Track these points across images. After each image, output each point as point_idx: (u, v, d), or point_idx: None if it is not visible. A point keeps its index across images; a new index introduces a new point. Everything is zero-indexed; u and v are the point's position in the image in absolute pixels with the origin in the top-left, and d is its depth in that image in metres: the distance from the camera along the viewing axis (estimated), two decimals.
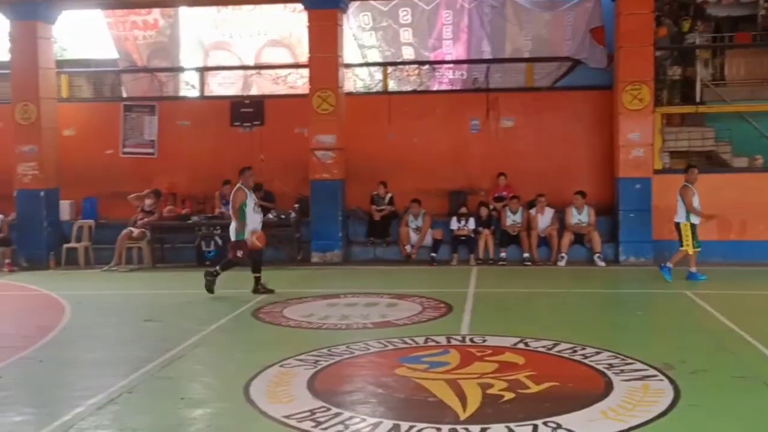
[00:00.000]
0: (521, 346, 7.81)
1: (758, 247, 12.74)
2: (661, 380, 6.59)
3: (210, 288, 10.63)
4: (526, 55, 14.91)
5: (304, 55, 14.75)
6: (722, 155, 14.02)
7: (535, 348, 7.72)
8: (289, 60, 16.31)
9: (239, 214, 10.59)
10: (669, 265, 11.28)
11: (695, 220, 11.38)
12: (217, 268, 10.86)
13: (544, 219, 13.31)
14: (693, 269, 11.34)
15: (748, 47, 14.96)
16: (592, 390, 6.37)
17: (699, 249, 11.40)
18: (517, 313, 9.69)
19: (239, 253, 10.69)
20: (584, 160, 14.24)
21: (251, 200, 10.73)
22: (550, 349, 7.67)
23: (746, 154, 13.93)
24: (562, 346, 7.74)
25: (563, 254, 13.01)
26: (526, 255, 13.20)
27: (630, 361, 7.16)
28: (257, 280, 10.88)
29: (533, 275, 12.46)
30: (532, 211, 13.41)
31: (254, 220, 10.75)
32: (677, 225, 11.45)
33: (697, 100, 14.31)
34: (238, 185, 10.76)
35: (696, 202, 11.35)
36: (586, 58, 14.31)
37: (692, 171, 11.66)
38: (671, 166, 13.73)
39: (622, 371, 6.86)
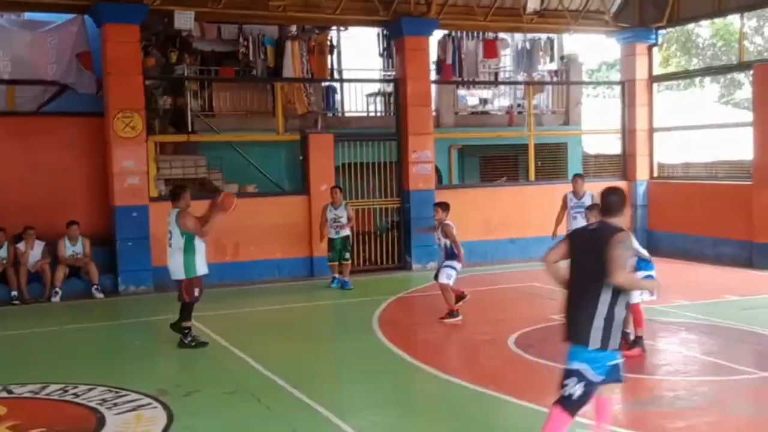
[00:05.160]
0: (4, 394, 7.02)
1: (249, 267, 13.59)
2: (155, 407, 6.50)
3: (198, 342, 8.86)
4: (6, 77, 13.62)
5: None
6: (214, 182, 14.68)
7: (20, 394, 7.01)
8: None
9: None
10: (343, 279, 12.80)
11: (332, 234, 12.66)
12: (184, 324, 8.89)
13: (34, 253, 12.28)
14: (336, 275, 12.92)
15: (232, 81, 16.02)
16: (84, 429, 5.98)
17: (334, 263, 12.84)
18: (2, 359, 8.70)
19: (196, 292, 8.92)
20: (77, 189, 13.54)
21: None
22: (37, 393, 7.03)
23: (236, 181, 14.82)
24: (52, 387, 7.15)
25: (57, 289, 12.15)
26: (14, 293, 11.97)
27: (124, 392, 6.93)
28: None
29: (23, 314, 11.36)
30: (20, 246, 12.28)
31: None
32: None
33: (189, 129, 14.80)
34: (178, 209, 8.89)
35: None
36: (73, 84, 13.63)
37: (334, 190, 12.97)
38: (167, 193, 13.87)
39: (116, 404, 6.59)
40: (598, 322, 4.71)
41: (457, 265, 10.11)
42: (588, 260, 4.83)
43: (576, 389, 4.73)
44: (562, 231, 11.77)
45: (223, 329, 9.64)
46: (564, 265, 5.03)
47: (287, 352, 8.77)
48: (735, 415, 6.13)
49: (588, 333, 4.71)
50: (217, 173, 14.82)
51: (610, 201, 5.00)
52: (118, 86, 12.77)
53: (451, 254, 10.09)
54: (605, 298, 4.73)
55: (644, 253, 7.96)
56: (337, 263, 12.80)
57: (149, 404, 6.59)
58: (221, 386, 7.26)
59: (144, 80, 13.17)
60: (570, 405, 4.77)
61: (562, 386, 4.80)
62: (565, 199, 12.03)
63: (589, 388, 4.76)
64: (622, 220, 4.99)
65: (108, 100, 12.87)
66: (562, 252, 5.07)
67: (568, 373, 4.80)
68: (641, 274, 7.84)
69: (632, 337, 7.98)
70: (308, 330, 10.30)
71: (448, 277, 10.03)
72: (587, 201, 11.46)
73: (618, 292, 4.74)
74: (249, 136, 15.08)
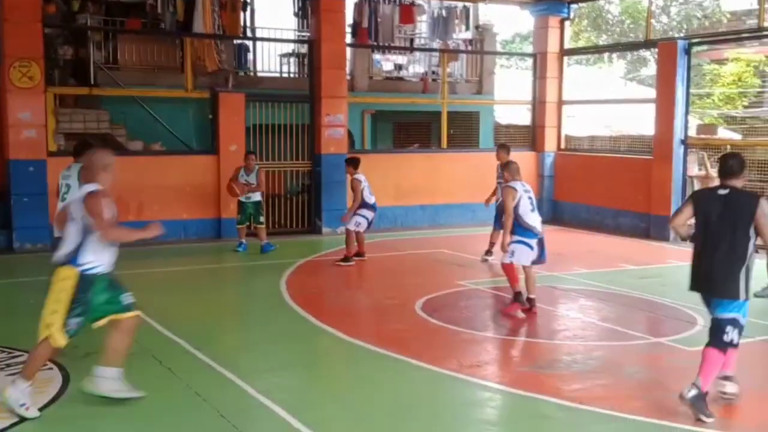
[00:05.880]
0: None
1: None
2: (51, 369, 6.28)
3: None
4: None
5: None
6: (118, 138, 14.16)
7: None
8: None
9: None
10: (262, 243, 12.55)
11: (242, 199, 12.41)
12: None
13: None
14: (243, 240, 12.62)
15: (139, 34, 15.41)
16: None
17: (243, 225, 12.55)
18: None
19: None
20: None
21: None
22: None
23: (141, 138, 14.34)
24: None
25: None
26: None
27: (17, 353, 6.70)
28: None
29: None
30: None
31: None
32: None
33: (92, 82, 14.19)
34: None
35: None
36: None
37: None
38: (66, 147, 13.30)
39: (8, 365, 6.38)
40: (744, 276, 5.33)
41: (368, 213, 11.19)
42: (728, 222, 5.34)
43: (734, 335, 5.40)
44: (492, 200, 11.85)
45: (129, 289, 9.31)
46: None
47: (191, 313, 8.61)
48: (627, 379, 6.38)
49: (737, 288, 5.32)
50: (120, 129, 14.31)
51: (732, 165, 5.49)
52: (15, 33, 12.14)
53: (363, 204, 11.16)
54: (748, 255, 5.31)
55: (530, 223, 8.22)
56: (245, 226, 12.58)
57: (44, 366, 6.32)
58: None
59: (43, 28, 12.53)
60: (727, 347, 5.40)
61: (720, 334, 5.38)
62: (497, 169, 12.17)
63: (741, 331, 5.44)
64: (742, 183, 5.52)
65: (4, 47, 12.20)
66: (688, 214, 5.61)
67: (724, 322, 5.38)
68: (515, 237, 8.22)
69: (524, 297, 8.35)
70: (213, 292, 10.12)
71: (357, 224, 11.14)
72: None
73: (752, 248, 5.36)
74: (156, 92, 14.56)
